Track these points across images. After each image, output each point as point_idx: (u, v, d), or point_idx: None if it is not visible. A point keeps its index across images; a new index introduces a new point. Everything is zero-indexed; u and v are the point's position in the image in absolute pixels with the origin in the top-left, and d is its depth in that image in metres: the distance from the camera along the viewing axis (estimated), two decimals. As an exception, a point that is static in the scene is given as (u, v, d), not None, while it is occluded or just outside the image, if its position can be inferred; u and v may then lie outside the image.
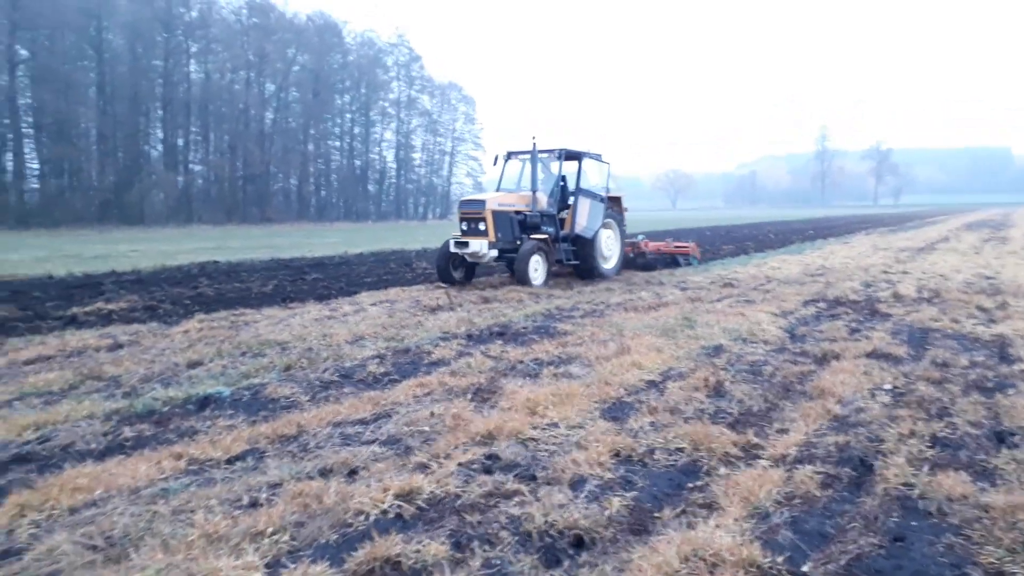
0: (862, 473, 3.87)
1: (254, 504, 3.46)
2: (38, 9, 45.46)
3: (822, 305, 10.17)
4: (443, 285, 12.77)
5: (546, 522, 3.22)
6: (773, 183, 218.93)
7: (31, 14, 45.48)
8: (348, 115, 75.53)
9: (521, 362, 6.58)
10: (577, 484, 3.73)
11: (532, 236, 12.99)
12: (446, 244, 13.10)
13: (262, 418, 4.96)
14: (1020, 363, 6.40)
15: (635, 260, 16.56)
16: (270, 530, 3.12)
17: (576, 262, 13.80)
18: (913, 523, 3.30)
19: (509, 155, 14.41)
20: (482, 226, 12.62)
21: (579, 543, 3.11)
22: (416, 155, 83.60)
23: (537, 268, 12.69)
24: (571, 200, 13.92)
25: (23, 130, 48.02)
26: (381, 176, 79.46)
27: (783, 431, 4.61)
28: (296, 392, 5.59)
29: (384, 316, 9.35)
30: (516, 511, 3.37)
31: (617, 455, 4.15)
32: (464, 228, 12.96)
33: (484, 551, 3.00)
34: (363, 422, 4.84)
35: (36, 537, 3.13)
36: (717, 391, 5.54)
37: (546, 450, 4.23)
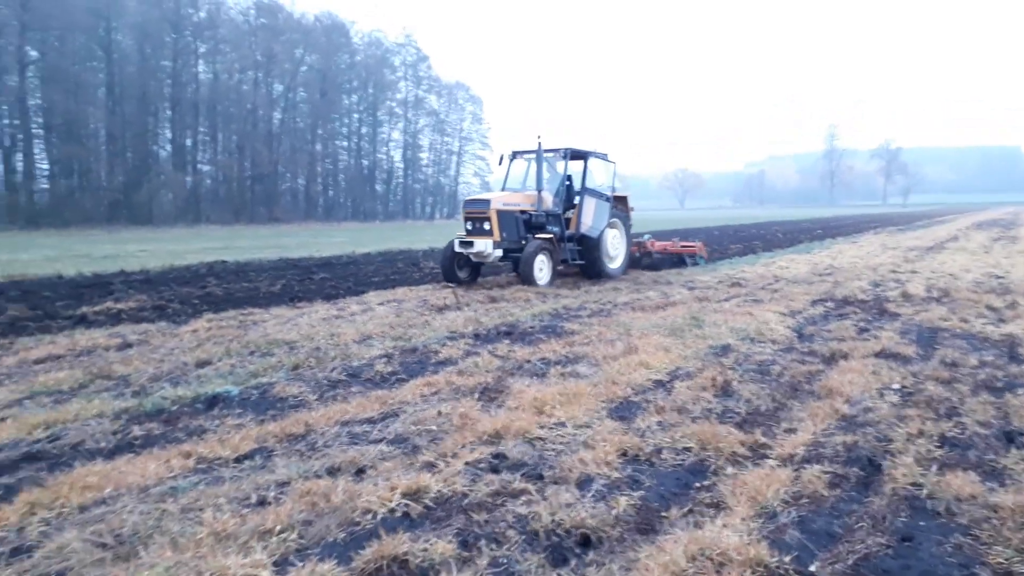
0: (870, 473, 3.86)
1: (262, 502, 3.47)
2: (48, 10, 45.72)
3: (830, 304, 10.13)
4: (449, 285, 12.76)
5: (553, 521, 3.22)
6: (782, 182, 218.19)
7: (41, 15, 45.74)
8: (356, 115, 75.71)
9: (528, 361, 6.59)
10: (584, 483, 3.73)
11: (537, 236, 12.94)
12: (451, 244, 13.08)
13: (270, 417, 4.98)
14: (1030, 363, 6.37)
15: (641, 260, 16.54)
16: (278, 528, 3.14)
17: (581, 262, 13.75)
18: (921, 523, 3.29)
19: (515, 155, 14.39)
20: (487, 226, 12.59)
21: (586, 542, 3.12)
22: (423, 155, 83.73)
23: (542, 268, 12.67)
24: (577, 200, 13.90)
25: (33, 130, 48.30)
26: (388, 176, 79.61)
27: (791, 431, 4.59)
28: (304, 391, 5.61)
29: (391, 315, 9.37)
30: (523, 510, 3.37)
31: (624, 454, 4.15)
32: (469, 228, 12.93)
33: (491, 550, 3.01)
34: (371, 421, 4.85)
35: (46, 535, 3.16)
36: (725, 391, 5.52)
37: (553, 449, 4.24)
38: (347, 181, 73.78)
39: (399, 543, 2.97)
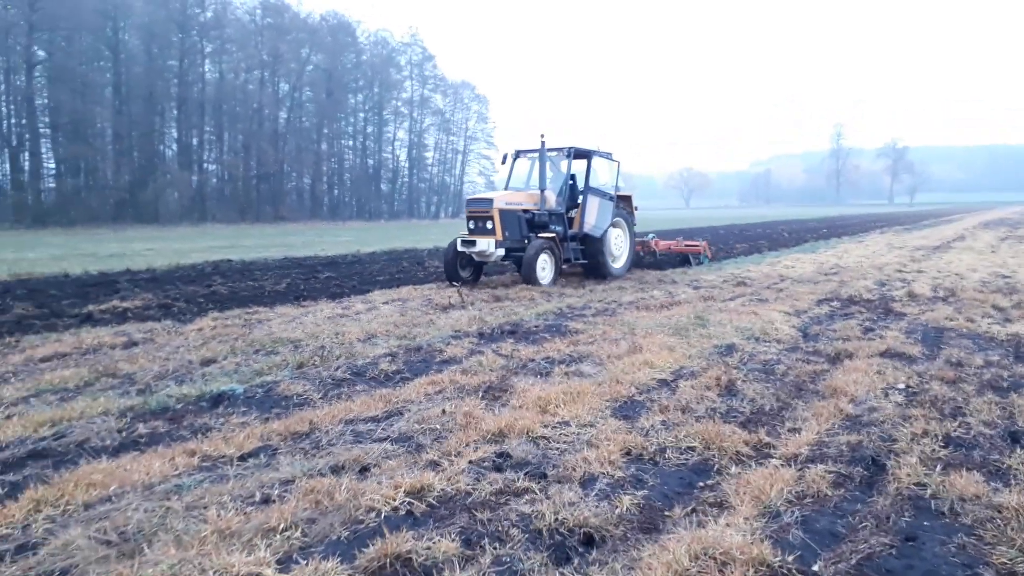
0: (874, 472, 3.85)
1: (266, 501, 3.48)
2: (55, 11, 45.91)
3: (836, 304, 10.11)
4: (454, 284, 12.74)
5: (556, 520, 3.22)
6: (787, 181, 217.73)
7: (48, 15, 45.94)
8: (361, 114, 75.84)
9: (532, 360, 6.59)
10: (588, 482, 3.73)
11: (540, 235, 12.88)
12: (453, 243, 13.03)
13: (275, 415, 4.99)
14: (1036, 363, 6.34)
15: (644, 259, 16.52)
16: (282, 526, 3.14)
17: (585, 261, 13.70)
18: (925, 523, 3.28)
19: (518, 154, 14.37)
20: (489, 225, 12.54)
21: (589, 541, 3.12)
22: (429, 154, 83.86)
23: (545, 267, 12.62)
24: (580, 199, 13.87)
25: (40, 130, 48.58)
26: (394, 175, 79.72)
27: (795, 430, 4.59)
28: (308, 390, 5.62)
29: (396, 314, 9.38)
30: (526, 509, 3.37)
31: (628, 453, 4.15)
32: (471, 227, 12.88)
33: (494, 548, 3.01)
34: (375, 420, 4.86)
35: (51, 532, 3.17)
36: (729, 390, 5.52)
37: (557, 448, 4.24)
38: (352, 180, 73.92)
39: (403, 541, 2.98)
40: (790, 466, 3.93)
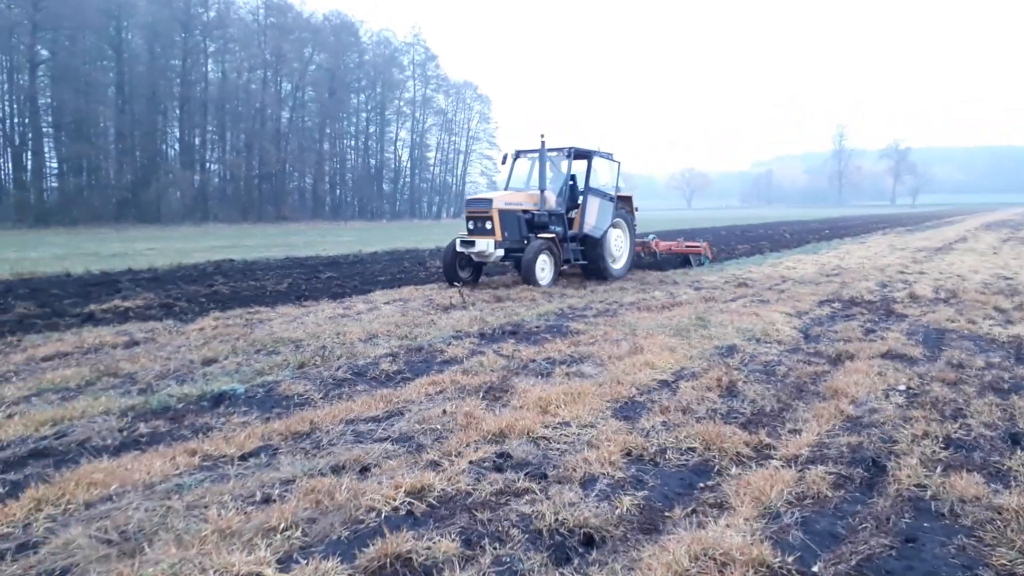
0: (874, 474, 3.85)
1: (267, 500, 3.49)
2: (59, 10, 46.00)
3: (837, 305, 10.11)
4: (455, 284, 12.71)
5: (556, 520, 3.23)
6: (789, 182, 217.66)
7: (52, 15, 46.02)
8: (364, 114, 75.92)
9: (533, 361, 6.59)
10: (588, 483, 3.73)
11: (540, 235, 12.83)
12: (452, 244, 12.96)
13: (276, 415, 4.99)
14: (1037, 364, 6.34)
15: (644, 260, 16.50)
16: (282, 526, 3.15)
17: (585, 262, 13.65)
18: (925, 524, 3.28)
19: (518, 154, 14.34)
20: (489, 225, 12.49)
21: (589, 541, 3.12)
22: (431, 154, 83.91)
23: (544, 267, 12.58)
24: (580, 199, 13.83)
25: (43, 129, 48.68)
26: (396, 175, 79.79)
27: (796, 431, 4.59)
28: (309, 389, 5.63)
29: (397, 315, 9.38)
30: (527, 509, 3.38)
31: (628, 454, 4.15)
32: (471, 227, 12.82)
33: (494, 548, 3.01)
34: (375, 420, 4.86)
35: (52, 531, 3.17)
36: (730, 391, 5.52)
37: (557, 449, 4.24)
38: (354, 180, 73.97)
39: (403, 541, 2.98)
40: (790, 467, 3.93)
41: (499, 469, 3.90)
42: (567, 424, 4.66)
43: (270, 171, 62.41)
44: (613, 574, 2.85)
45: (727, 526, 3.19)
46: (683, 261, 16.87)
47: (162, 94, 55.67)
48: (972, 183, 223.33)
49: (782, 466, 3.95)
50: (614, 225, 14.06)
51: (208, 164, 60.97)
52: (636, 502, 3.49)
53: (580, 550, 3.07)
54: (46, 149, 49.39)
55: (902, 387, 5.63)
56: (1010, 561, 2.91)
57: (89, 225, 43.13)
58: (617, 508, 3.41)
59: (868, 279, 13.26)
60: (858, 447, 4.23)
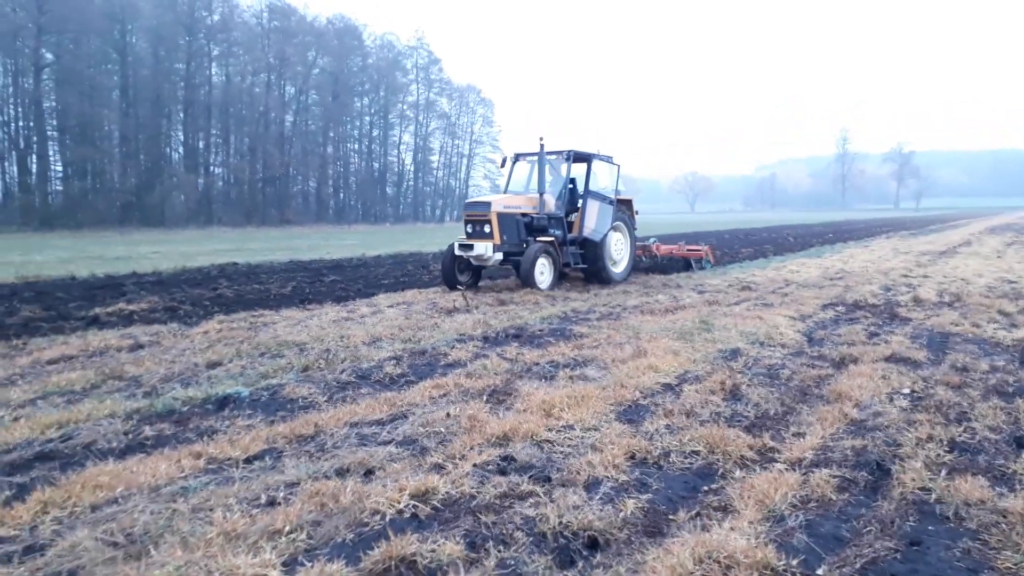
0: (879, 477, 3.85)
1: (272, 503, 3.49)
2: (63, 13, 46.17)
3: (841, 309, 10.10)
4: (459, 287, 12.70)
5: (560, 523, 3.23)
6: (793, 186, 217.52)
7: (57, 18, 46.20)
8: (367, 118, 76.09)
9: (537, 364, 6.59)
10: (592, 486, 3.73)
11: (539, 239, 12.76)
12: (451, 247, 12.88)
13: (280, 418, 5.00)
14: (1042, 368, 6.33)
15: (641, 261, 16.47)
16: (287, 529, 3.16)
17: (584, 265, 13.57)
18: (930, 527, 3.28)
19: (517, 157, 14.31)
20: (487, 228, 12.42)
21: (593, 544, 3.12)
22: (434, 157, 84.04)
23: (543, 271, 12.53)
24: (580, 202, 13.78)
25: (47, 132, 48.82)
26: (399, 178, 79.92)
27: (799, 435, 4.58)
28: (314, 392, 5.64)
29: (401, 318, 9.39)
30: (531, 512, 3.38)
31: (632, 457, 4.15)
32: (469, 231, 12.74)
33: (499, 551, 3.02)
34: (380, 423, 4.87)
35: (59, 533, 3.19)
36: (733, 394, 5.52)
37: (561, 452, 4.24)
38: (358, 184, 74.09)
39: (407, 544, 2.98)
40: (795, 470, 3.93)
41: (503, 472, 3.90)
42: (571, 427, 4.66)
43: (274, 175, 62.55)
44: (617, 577, 2.85)
45: (731, 529, 3.19)
46: (684, 265, 16.83)
47: (166, 98, 55.85)
48: (976, 187, 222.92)
49: (786, 469, 3.95)
50: (614, 228, 14.00)
51: (212, 168, 61.16)
52: (640, 505, 3.49)
53: (584, 553, 3.07)
54: (51, 152, 49.56)
55: (906, 390, 5.62)
56: (1015, 564, 2.91)
57: (93, 228, 43.26)
58: (621, 511, 3.41)
59: (872, 283, 13.25)
60: (862, 450, 4.23)
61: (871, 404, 5.21)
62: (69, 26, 47.34)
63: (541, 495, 3.58)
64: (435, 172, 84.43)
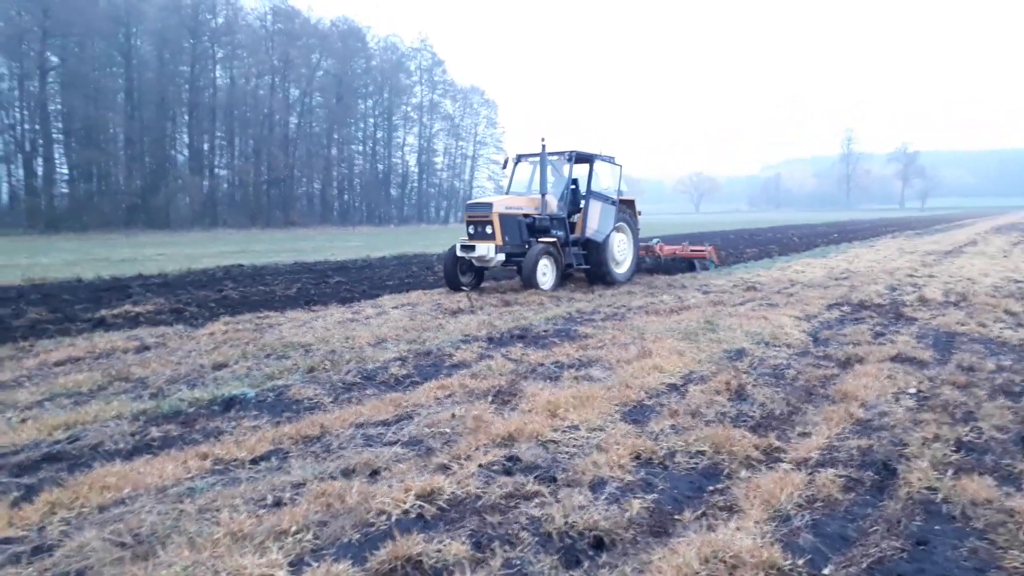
0: (885, 477, 3.85)
1: (278, 503, 3.51)
2: (68, 17, 46.30)
3: (846, 309, 10.08)
4: (464, 289, 12.70)
5: (566, 523, 3.23)
6: (797, 186, 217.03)
7: (62, 22, 46.32)
8: (371, 119, 76.12)
9: (542, 365, 6.60)
10: (597, 486, 3.73)
11: (541, 240, 12.74)
12: (452, 249, 12.86)
13: (286, 419, 5.02)
14: (1048, 367, 6.31)
15: (645, 262, 16.43)
16: (294, 529, 3.17)
17: (587, 266, 13.52)
18: (936, 527, 3.27)
19: (519, 158, 14.29)
20: (489, 229, 12.40)
21: (599, 544, 3.13)
22: (438, 159, 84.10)
23: (546, 272, 12.51)
24: (582, 203, 13.75)
25: (53, 135, 48.91)
26: (403, 180, 79.96)
27: (805, 435, 4.58)
28: (319, 393, 5.65)
29: (406, 319, 9.41)
30: (536, 512, 3.38)
31: (637, 457, 4.15)
32: (471, 232, 12.72)
33: (504, 551, 3.02)
34: (385, 423, 4.88)
35: (66, 534, 3.20)
36: (739, 394, 5.51)
37: (566, 452, 4.25)
38: (362, 185, 74.17)
39: (413, 544, 2.99)
40: (800, 470, 3.93)
41: (508, 472, 3.91)
42: (576, 428, 4.66)
43: (278, 176, 62.65)
44: (623, 577, 2.85)
45: (737, 529, 3.19)
46: (688, 265, 16.77)
47: (171, 100, 55.96)
48: (982, 186, 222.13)
49: (792, 469, 3.95)
50: (617, 229, 13.96)
51: (217, 170, 61.20)
52: (646, 505, 3.50)
53: (590, 553, 3.07)
54: (56, 155, 49.67)
55: (912, 390, 5.61)
56: (1022, 563, 2.90)
57: (99, 231, 43.38)
58: (627, 511, 3.41)
59: (877, 283, 13.22)
60: (868, 450, 4.23)
61: (877, 404, 5.20)
62: (74, 29, 47.46)
63: (547, 495, 3.58)
64: (439, 174, 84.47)
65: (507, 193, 14.29)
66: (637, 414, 5.05)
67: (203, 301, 11.68)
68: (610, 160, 14.37)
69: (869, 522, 3.33)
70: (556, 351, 7.18)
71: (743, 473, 3.93)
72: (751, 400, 5.35)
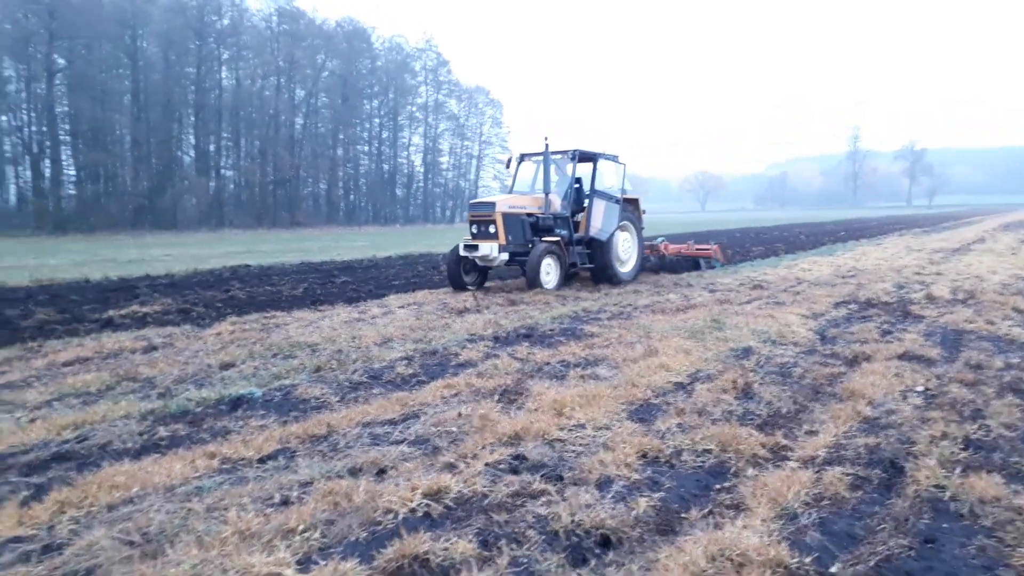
0: (892, 475, 3.84)
1: (286, 502, 3.52)
2: (75, 19, 46.53)
3: (853, 307, 10.05)
4: (470, 288, 12.68)
5: (573, 521, 3.23)
6: (804, 184, 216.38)
7: (68, 24, 46.56)
8: (376, 120, 76.27)
9: (548, 364, 6.60)
10: (604, 484, 3.73)
11: (544, 239, 12.72)
12: (456, 248, 12.84)
13: (293, 418, 5.03)
14: (1057, 365, 6.28)
15: (650, 261, 16.39)
16: (301, 527, 3.17)
17: (591, 265, 13.49)
18: (944, 525, 3.26)
19: (522, 157, 14.27)
20: (492, 229, 12.38)
21: (606, 542, 3.13)
22: (443, 159, 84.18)
23: (549, 271, 12.47)
24: (586, 202, 13.71)
25: (60, 137, 49.20)
26: (409, 180, 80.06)
27: (812, 433, 4.57)
28: (326, 393, 5.66)
29: (412, 318, 9.42)
30: (543, 511, 3.39)
31: (644, 456, 4.15)
32: (474, 231, 12.71)
33: (511, 550, 3.02)
34: (392, 422, 4.89)
35: (76, 533, 3.22)
36: (745, 393, 5.50)
37: (573, 451, 4.25)
38: (368, 185, 74.28)
39: (420, 542, 3.00)
40: (807, 468, 3.92)
41: (515, 471, 3.91)
42: (582, 426, 4.66)
43: (284, 177, 62.80)
44: (630, 575, 2.85)
45: (744, 527, 3.19)
46: (693, 264, 16.72)
47: (177, 101, 56.20)
48: (989, 184, 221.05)
49: (799, 467, 3.94)
50: (621, 228, 13.90)
51: (223, 170, 61.44)
52: (652, 503, 3.49)
53: (597, 551, 3.07)
54: (64, 157, 49.95)
55: (920, 388, 5.59)
56: (1031, 562, 2.89)
57: (106, 232, 43.58)
58: (633, 509, 3.41)
59: (885, 280, 13.17)
60: (876, 448, 4.21)
61: (884, 402, 5.18)
62: (80, 31, 47.70)
63: (553, 494, 3.58)
64: (445, 173, 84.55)
65: (510, 192, 14.26)
66: (643, 413, 5.04)
67: (210, 301, 11.72)
68: (614, 159, 14.32)
69: (877, 520, 3.33)
70: (562, 350, 7.18)
71: (750, 471, 3.92)
72: (758, 398, 5.34)
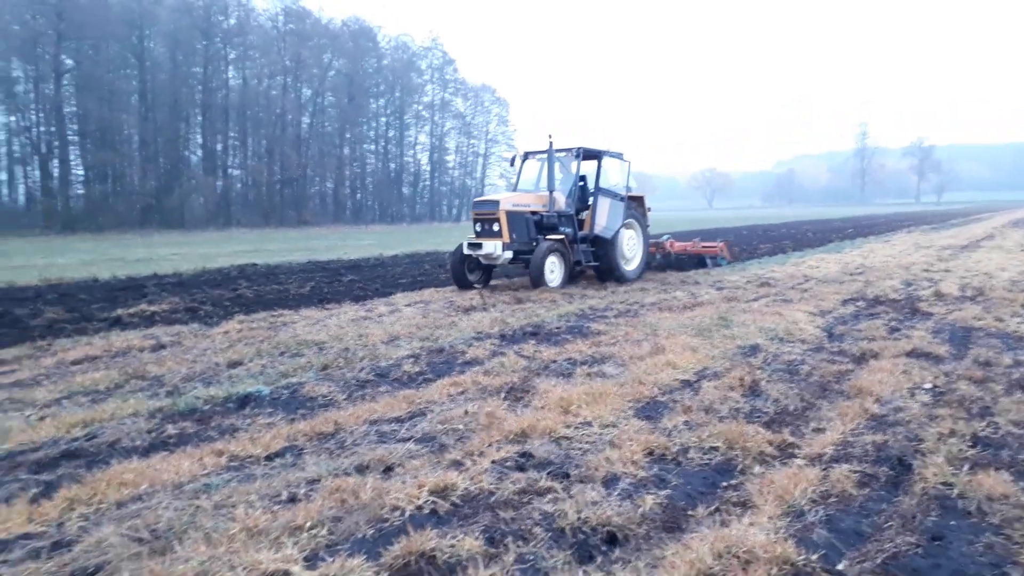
0: (900, 472, 3.82)
1: (293, 499, 3.53)
2: (83, 20, 46.72)
3: (861, 304, 10.01)
4: (476, 286, 12.67)
5: (579, 519, 3.24)
6: (811, 181, 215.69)
7: (76, 25, 46.76)
8: (383, 119, 76.34)
9: (554, 361, 6.60)
10: (610, 482, 3.73)
11: (549, 237, 12.67)
12: (460, 247, 12.80)
13: (300, 416, 5.04)
14: (1066, 362, 6.24)
15: (656, 259, 16.34)
16: (308, 524, 3.19)
17: (596, 263, 13.45)
18: (952, 522, 3.25)
19: (526, 155, 14.22)
20: (496, 227, 12.35)
21: (612, 540, 3.13)
22: (450, 157, 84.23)
23: (553, 269, 12.43)
24: (590, 200, 13.68)
25: (68, 137, 49.42)
26: (415, 178, 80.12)
27: (819, 430, 4.56)
28: (333, 391, 5.68)
29: (419, 316, 9.43)
30: (549, 508, 3.39)
31: (651, 454, 4.15)
32: (478, 229, 12.68)
33: (518, 547, 3.03)
34: (398, 420, 4.90)
35: (85, 530, 3.24)
36: (753, 390, 5.49)
37: (579, 448, 4.25)
38: (374, 184, 74.38)
39: (427, 539, 3.00)
40: (814, 466, 3.91)
41: (521, 468, 3.91)
42: (589, 424, 4.66)
43: (291, 176, 62.95)
44: (636, 572, 2.85)
45: (751, 524, 3.18)
46: (700, 262, 16.67)
47: (184, 101, 56.37)
48: (999, 180, 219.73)
49: (806, 465, 3.93)
50: (626, 226, 13.85)
51: (230, 170, 61.59)
52: (659, 501, 3.49)
53: (603, 548, 3.07)
54: (72, 157, 50.18)
55: (928, 385, 5.57)
56: (1039, 559, 2.88)
57: (114, 231, 43.76)
58: (640, 507, 3.41)
59: (893, 277, 13.12)
60: (883, 445, 4.20)
61: (892, 399, 5.17)
62: (88, 32, 47.88)
63: (559, 491, 3.59)
64: (451, 172, 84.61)
65: (515, 190, 14.21)
66: (650, 410, 5.04)
67: (218, 300, 11.76)
68: (618, 156, 14.26)
69: (884, 517, 3.32)
70: (569, 348, 7.18)
71: (757, 469, 3.92)
72: (765, 396, 5.33)
